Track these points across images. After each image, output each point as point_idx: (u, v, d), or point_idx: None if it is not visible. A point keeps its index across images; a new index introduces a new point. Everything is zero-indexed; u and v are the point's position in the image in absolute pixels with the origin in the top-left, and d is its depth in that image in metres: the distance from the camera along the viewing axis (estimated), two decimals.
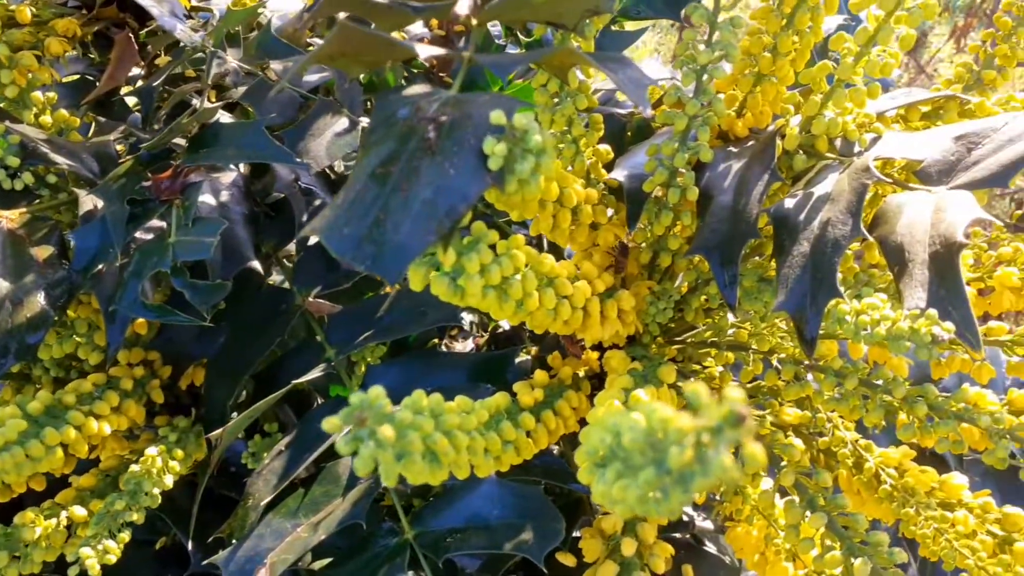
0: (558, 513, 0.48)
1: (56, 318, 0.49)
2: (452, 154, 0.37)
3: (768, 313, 0.54)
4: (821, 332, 0.45)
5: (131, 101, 0.74)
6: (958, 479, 0.53)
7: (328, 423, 0.29)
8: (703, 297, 0.59)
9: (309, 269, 0.64)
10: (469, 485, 0.50)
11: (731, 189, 0.52)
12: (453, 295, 0.41)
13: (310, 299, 0.63)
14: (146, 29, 0.78)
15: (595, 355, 0.62)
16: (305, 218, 0.63)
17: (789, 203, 0.49)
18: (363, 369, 0.63)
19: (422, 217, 0.35)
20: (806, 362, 0.54)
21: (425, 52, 0.42)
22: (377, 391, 0.32)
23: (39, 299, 0.49)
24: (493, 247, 0.41)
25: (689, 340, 0.62)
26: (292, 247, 0.68)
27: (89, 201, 0.53)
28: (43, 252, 0.52)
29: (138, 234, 0.53)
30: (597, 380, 0.60)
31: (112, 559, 0.47)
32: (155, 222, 0.55)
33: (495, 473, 0.50)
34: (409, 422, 0.32)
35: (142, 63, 0.78)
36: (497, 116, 0.36)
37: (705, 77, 0.49)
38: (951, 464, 0.72)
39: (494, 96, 0.39)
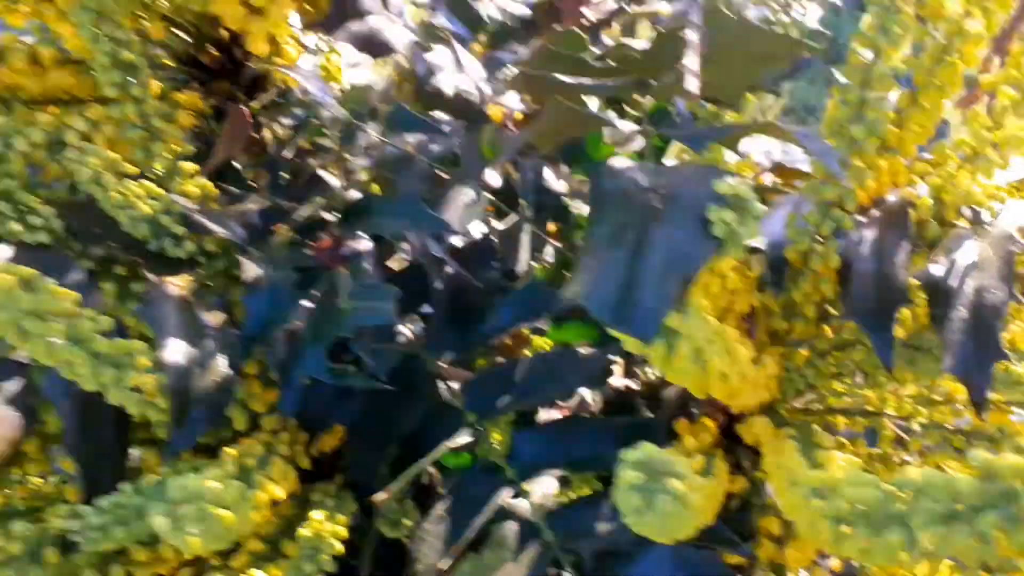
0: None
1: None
2: (678, 222, 0.39)
3: (920, 379, 0.56)
4: None
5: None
6: None
7: (626, 477, 0.31)
8: (832, 364, 0.61)
9: (441, 334, 0.66)
10: (644, 548, 0.51)
11: (870, 257, 0.55)
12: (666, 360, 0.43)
13: (443, 364, 0.65)
14: (257, 103, 0.81)
15: (713, 424, 0.63)
16: (439, 284, 0.65)
17: (936, 271, 0.52)
18: (496, 435, 0.64)
19: (663, 280, 0.37)
20: (949, 426, 0.56)
21: (622, 125, 0.45)
22: (650, 448, 0.34)
23: (221, 363, 0.51)
24: None
25: (816, 407, 0.64)
26: None
27: (252, 268, 0.55)
28: (216, 318, 0.53)
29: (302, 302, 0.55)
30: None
31: None
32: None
33: None
34: (686, 476, 0.34)
35: (255, 136, 0.81)
36: (721, 186, 0.39)
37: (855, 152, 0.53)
38: None
39: (700, 167, 0.42)
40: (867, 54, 0.49)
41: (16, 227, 0.52)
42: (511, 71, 0.80)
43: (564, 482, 0.63)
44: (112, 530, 0.43)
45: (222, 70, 0.79)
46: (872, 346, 0.52)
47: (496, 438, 0.64)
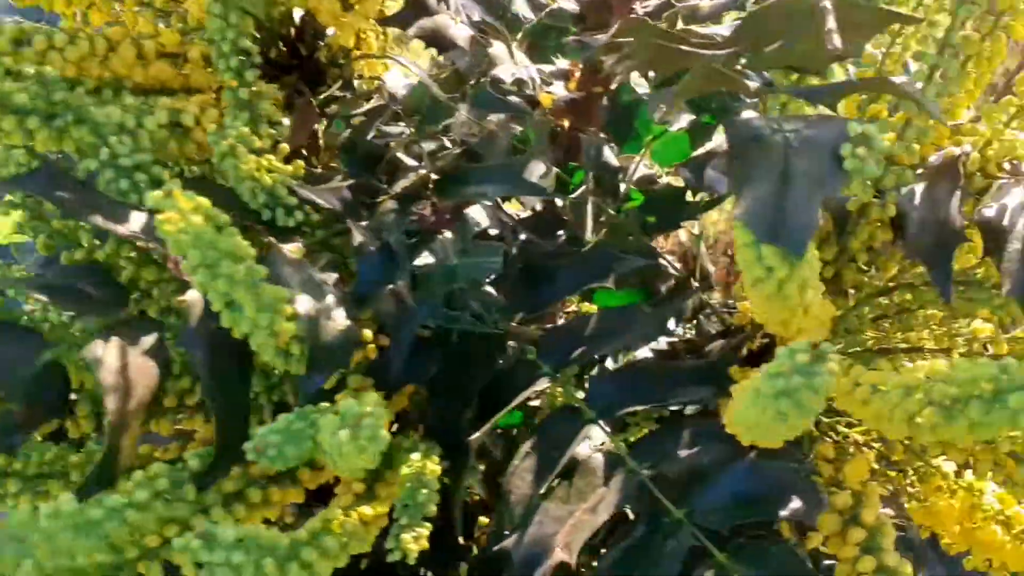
0: (816, 486, 0.54)
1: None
2: (815, 158, 0.47)
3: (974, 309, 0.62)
4: None
5: None
6: None
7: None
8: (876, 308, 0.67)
9: (515, 295, 0.70)
10: (725, 467, 0.56)
11: (924, 206, 0.61)
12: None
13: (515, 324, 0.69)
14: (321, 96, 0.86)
15: None
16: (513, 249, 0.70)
17: (988, 212, 0.58)
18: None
19: (808, 205, 0.46)
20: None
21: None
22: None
23: (342, 315, 0.55)
24: None
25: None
26: None
27: (360, 234, 0.60)
28: (328, 278, 0.58)
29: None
30: None
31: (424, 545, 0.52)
32: None
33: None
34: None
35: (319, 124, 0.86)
36: (854, 126, 0.47)
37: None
38: None
39: (823, 116, 0.49)
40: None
41: None
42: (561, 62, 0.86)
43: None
44: (285, 448, 0.47)
45: (289, 65, 0.84)
46: (931, 279, 0.57)
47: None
